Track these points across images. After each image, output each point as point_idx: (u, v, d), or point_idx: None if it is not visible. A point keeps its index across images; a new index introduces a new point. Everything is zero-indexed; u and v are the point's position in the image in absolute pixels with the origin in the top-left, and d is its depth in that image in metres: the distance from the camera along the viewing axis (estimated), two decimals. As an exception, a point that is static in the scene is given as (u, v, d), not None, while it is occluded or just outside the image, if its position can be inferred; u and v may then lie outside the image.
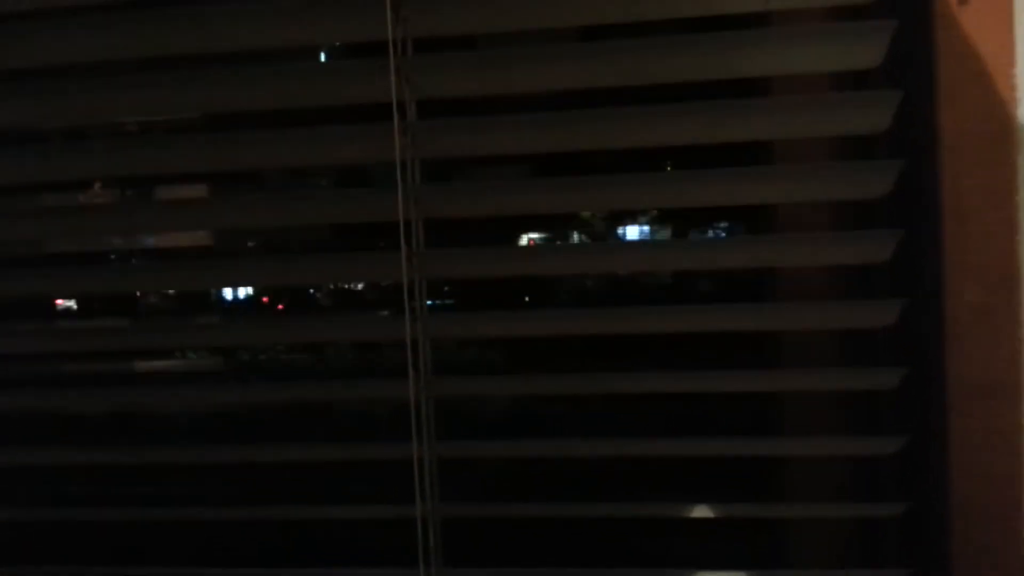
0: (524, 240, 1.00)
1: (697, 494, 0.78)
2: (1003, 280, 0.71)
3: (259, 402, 0.90)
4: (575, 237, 1.01)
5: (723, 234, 0.96)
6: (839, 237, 0.76)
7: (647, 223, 0.98)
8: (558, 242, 1.00)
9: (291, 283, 0.83)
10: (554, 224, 1.01)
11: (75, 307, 1.34)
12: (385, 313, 1.02)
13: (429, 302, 0.77)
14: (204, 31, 0.76)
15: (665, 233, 0.99)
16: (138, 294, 1.09)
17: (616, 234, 1.00)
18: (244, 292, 1.53)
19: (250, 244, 1.05)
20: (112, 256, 1.06)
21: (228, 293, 1.55)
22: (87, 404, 0.95)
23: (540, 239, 1.00)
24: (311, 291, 1.61)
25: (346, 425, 0.95)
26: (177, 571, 0.85)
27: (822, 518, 0.84)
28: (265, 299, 1.60)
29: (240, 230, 1.04)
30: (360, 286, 1.24)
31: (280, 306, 1.61)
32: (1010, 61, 0.71)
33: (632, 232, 0.99)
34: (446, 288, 1.00)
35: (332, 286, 1.57)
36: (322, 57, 0.99)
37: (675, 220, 0.98)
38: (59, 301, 1.31)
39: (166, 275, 0.85)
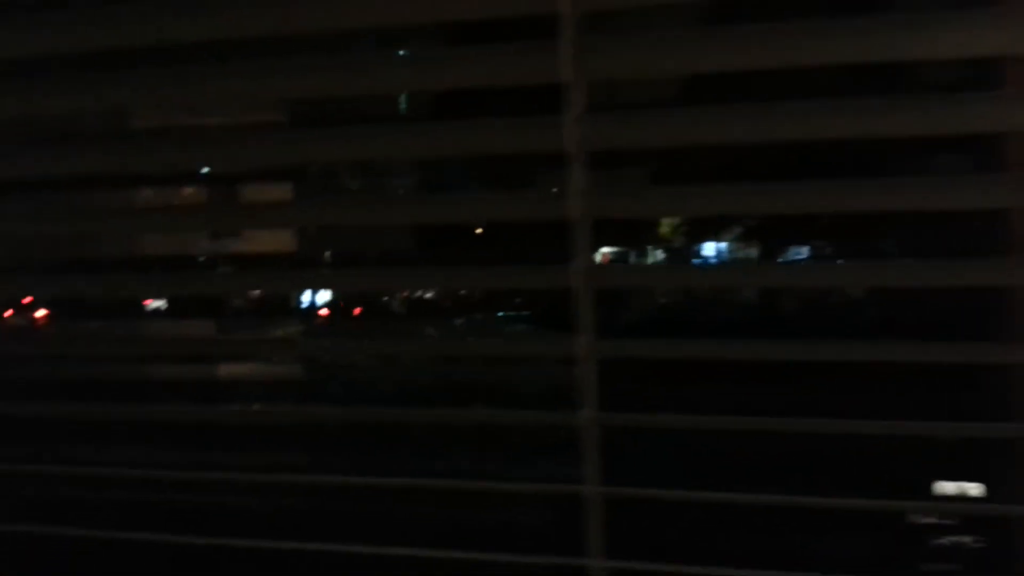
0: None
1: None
2: None
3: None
4: (651, 252, 0.88)
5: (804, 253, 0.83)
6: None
7: (730, 239, 0.85)
8: (632, 255, 0.87)
9: (440, 287, 0.74)
10: (628, 237, 0.88)
11: (164, 307, 1.29)
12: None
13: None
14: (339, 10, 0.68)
15: (752, 251, 0.86)
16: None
17: (695, 250, 0.87)
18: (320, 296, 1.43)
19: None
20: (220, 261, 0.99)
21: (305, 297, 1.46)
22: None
23: (612, 253, 0.88)
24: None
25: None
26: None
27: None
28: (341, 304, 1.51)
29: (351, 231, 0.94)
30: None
31: (356, 310, 1.52)
32: None
33: (709, 249, 0.87)
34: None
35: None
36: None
37: (760, 236, 0.86)
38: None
39: (292, 278, 0.77)
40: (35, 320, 1.07)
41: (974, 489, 0.75)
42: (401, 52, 0.68)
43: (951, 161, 0.71)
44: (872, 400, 0.71)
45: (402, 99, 0.83)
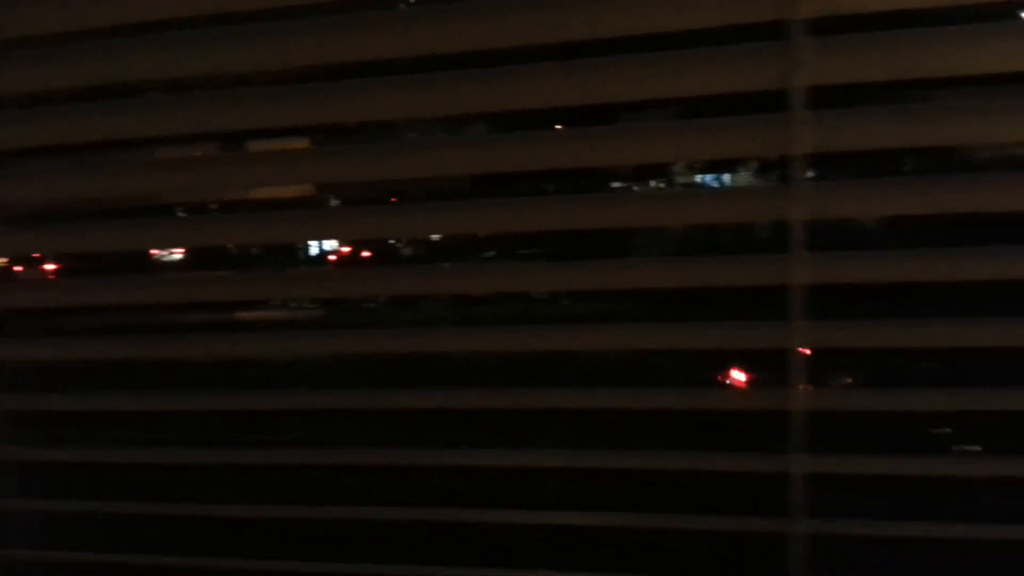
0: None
1: None
2: None
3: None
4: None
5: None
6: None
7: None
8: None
9: (650, 286, 0.76)
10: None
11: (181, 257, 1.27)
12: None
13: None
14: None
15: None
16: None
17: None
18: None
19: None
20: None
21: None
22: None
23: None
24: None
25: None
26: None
27: None
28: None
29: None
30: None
31: (366, 253, 1.47)
32: None
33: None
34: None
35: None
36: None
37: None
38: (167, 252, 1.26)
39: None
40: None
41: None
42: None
43: None
44: None
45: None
